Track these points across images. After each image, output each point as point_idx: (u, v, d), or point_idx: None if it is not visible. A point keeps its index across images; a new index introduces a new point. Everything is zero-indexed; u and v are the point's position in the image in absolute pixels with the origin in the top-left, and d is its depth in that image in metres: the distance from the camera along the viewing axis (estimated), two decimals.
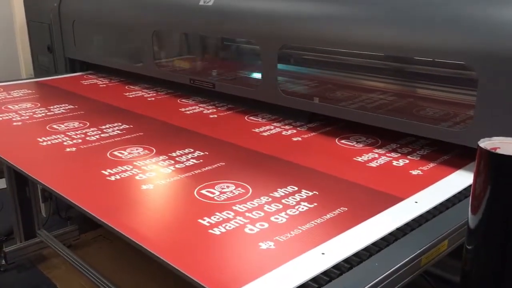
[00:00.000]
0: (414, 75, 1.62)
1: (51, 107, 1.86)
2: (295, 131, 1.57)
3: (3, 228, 2.58)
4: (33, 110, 1.82)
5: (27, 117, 1.74)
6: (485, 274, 0.85)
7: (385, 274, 0.81)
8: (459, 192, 1.11)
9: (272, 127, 1.61)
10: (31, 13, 2.59)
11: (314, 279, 0.79)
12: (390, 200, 1.07)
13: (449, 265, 1.09)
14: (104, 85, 2.28)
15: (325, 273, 0.81)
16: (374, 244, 0.90)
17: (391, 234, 0.93)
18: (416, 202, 1.06)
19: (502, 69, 1.12)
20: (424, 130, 1.30)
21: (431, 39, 1.25)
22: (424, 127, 1.29)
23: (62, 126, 1.63)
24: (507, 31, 1.12)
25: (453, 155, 1.32)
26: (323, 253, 0.86)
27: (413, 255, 0.87)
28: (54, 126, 1.63)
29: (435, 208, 1.04)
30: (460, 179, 1.18)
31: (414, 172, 1.22)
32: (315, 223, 0.97)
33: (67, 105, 1.89)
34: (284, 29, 1.56)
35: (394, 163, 1.29)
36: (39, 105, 1.90)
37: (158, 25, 2.03)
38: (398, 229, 0.95)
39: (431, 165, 1.27)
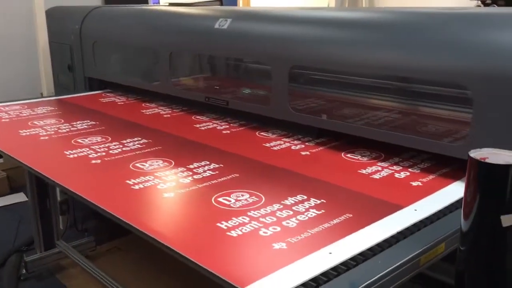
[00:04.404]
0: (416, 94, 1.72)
1: (74, 123, 1.98)
2: (303, 145, 1.67)
3: (24, 239, 2.69)
4: (58, 126, 1.94)
5: (53, 132, 1.86)
6: (476, 273, 0.94)
7: (387, 270, 0.90)
8: (456, 201, 1.20)
9: (282, 142, 1.71)
10: (53, 35, 2.74)
11: (324, 274, 0.89)
12: (391, 208, 1.17)
13: (447, 269, 1.17)
14: (122, 103, 2.41)
15: (334, 269, 0.91)
16: (378, 245, 1.00)
17: (392, 237, 1.03)
18: (415, 210, 1.16)
19: (495, 88, 1.22)
20: (425, 144, 1.40)
21: (430, 61, 1.35)
22: (425, 142, 1.39)
23: (86, 140, 1.74)
24: (500, 53, 1.23)
25: (452, 168, 1.41)
26: (330, 253, 0.96)
27: (413, 255, 0.96)
28: (79, 140, 1.74)
29: (433, 214, 1.13)
30: (457, 189, 1.27)
31: (415, 184, 1.32)
32: (323, 227, 1.07)
33: (88, 121, 2.01)
34: (294, 51, 1.68)
35: (396, 175, 1.38)
36: (62, 121, 2.02)
37: (175, 47, 2.16)
38: (399, 232, 1.05)
39: (431, 177, 1.36)
